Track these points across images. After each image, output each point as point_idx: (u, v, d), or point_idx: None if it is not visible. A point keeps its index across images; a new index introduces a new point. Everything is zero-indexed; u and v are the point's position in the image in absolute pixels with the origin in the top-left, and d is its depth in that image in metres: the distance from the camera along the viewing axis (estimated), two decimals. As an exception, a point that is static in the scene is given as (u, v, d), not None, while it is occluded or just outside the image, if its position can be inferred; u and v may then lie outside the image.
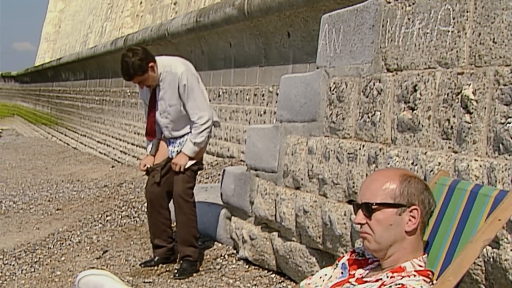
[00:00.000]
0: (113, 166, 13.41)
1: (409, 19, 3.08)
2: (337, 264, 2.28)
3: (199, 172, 5.24)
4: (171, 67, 4.75)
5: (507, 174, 2.41)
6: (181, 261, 4.83)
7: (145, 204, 7.27)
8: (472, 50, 2.67)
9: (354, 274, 2.19)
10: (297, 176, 4.02)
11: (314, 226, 3.81)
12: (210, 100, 5.06)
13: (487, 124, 2.55)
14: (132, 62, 4.61)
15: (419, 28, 3.00)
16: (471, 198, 2.12)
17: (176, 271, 4.79)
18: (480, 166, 2.55)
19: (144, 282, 4.65)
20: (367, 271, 2.18)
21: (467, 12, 2.70)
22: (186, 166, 4.78)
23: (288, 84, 4.31)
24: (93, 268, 5.04)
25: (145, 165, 4.96)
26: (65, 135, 24.82)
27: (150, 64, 4.67)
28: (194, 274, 4.74)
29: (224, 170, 5.29)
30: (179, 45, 12.04)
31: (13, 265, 6.13)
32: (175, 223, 5.00)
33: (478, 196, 2.10)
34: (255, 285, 4.35)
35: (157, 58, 4.80)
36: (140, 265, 5.05)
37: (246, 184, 4.76)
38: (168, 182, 4.88)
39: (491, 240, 2.00)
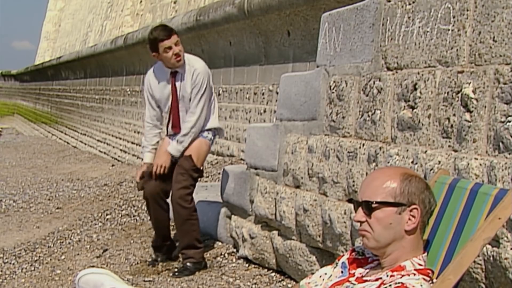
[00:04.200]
0: (113, 165, 13.42)
1: (409, 17, 3.08)
2: (337, 263, 2.28)
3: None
4: (194, 60, 4.84)
5: (507, 172, 2.41)
6: (184, 261, 4.82)
7: (145, 203, 7.29)
8: (472, 48, 2.67)
9: (354, 273, 2.19)
10: (297, 174, 4.02)
11: (314, 224, 3.81)
12: None
13: (487, 122, 2.55)
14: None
15: (419, 27, 3.00)
16: (471, 196, 2.12)
17: (176, 269, 4.79)
18: (480, 164, 2.55)
19: (144, 280, 4.65)
20: (367, 270, 2.17)
21: (467, 10, 2.70)
22: (186, 167, 4.75)
23: (288, 82, 4.31)
24: (93, 266, 5.03)
25: (142, 176, 4.88)
26: (65, 133, 24.82)
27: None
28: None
29: (224, 169, 5.29)
30: (179, 44, 12.03)
31: (13, 263, 6.13)
32: (174, 226, 5.00)
33: (478, 195, 2.10)
34: (255, 283, 4.35)
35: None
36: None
37: (246, 183, 4.75)
38: (165, 180, 4.85)
39: (491, 238, 2.00)
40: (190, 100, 4.76)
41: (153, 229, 5.16)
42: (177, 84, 4.79)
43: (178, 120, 4.84)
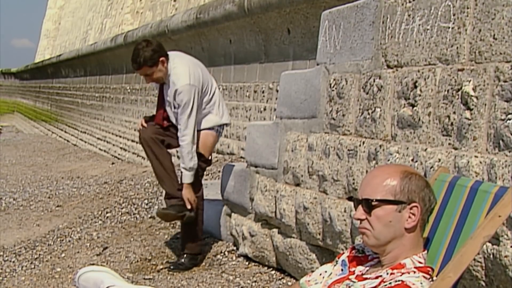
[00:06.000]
0: (113, 163, 13.41)
1: (409, 15, 3.08)
2: (337, 261, 2.28)
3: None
4: (176, 75, 4.63)
5: (507, 170, 2.41)
6: (181, 255, 4.84)
7: (145, 201, 7.30)
8: (472, 46, 2.67)
9: (354, 271, 2.19)
10: (297, 172, 4.02)
11: (314, 222, 3.81)
12: None
13: (487, 120, 2.55)
14: (144, 51, 4.55)
15: (419, 25, 3.00)
16: (471, 194, 2.12)
17: (172, 264, 4.79)
18: (480, 162, 2.54)
19: (144, 278, 4.66)
20: (367, 268, 2.17)
21: (468, 8, 2.70)
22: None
23: (288, 80, 4.31)
24: (93, 264, 5.04)
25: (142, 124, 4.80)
26: (65, 131, 24.81)
27: (161, 59, 4.60)
28: (195, 270, 4.75)
29: (224, 167, 5.29)
30: (179, 42, 12.03)
31: (13, 261, 6.14)
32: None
33: (478, 193, 2.09)
34: (255, 281, 4.35)
35: (171, 54, 4.70)
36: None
37: (246, 181, 4.76)
38: (163, 134, 4.77)
39: (491, 236, 2.00)
40: (178, 112, 4.66)
41: (157, 180, 4.98)
42: (165, 95, 4.74)
43: (160, 119, 4.78)
